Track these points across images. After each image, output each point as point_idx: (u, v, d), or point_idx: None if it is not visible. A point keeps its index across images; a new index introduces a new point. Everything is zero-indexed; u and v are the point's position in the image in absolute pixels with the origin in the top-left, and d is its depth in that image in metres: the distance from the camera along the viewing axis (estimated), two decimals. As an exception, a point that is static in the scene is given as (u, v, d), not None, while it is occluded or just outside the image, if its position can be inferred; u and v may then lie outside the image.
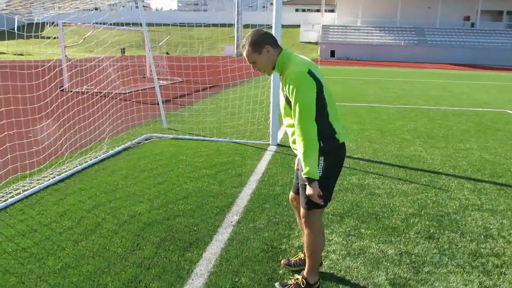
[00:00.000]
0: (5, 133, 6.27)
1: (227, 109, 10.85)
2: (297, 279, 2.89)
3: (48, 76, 7.43)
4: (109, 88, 13.36)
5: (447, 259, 3.40)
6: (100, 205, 4.31)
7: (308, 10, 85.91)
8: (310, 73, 2.50)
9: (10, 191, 4.51)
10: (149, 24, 17.19)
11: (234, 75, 19.23)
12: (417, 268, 3.24)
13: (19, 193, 4.44)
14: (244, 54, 2.63)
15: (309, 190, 2.53)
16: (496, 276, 3.16)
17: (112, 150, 6.42)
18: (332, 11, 74.41)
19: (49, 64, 6.98)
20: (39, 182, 4.82)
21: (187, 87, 16.28)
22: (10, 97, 9.32)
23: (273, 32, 6.77)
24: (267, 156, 6.35)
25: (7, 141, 6.01)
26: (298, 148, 2.53)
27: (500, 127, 9.40)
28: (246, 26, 57.46)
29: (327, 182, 2.65)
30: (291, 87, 2.48)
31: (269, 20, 7.01)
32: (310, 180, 2.50)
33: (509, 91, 18.76)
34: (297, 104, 2.46)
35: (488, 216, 4.29)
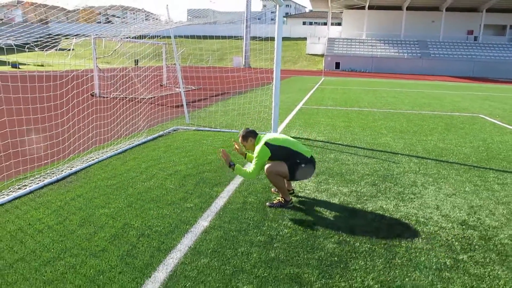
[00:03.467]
0: (78, 118, 8.27)
1: (237, 111, 12.85)
2: (279, 198, 4.84)
3: (70, 84, 9.44)
4: (134, 93, 15.45)
5: (380, 194, 5.32)
6: (150, 166, 6.29)
7: (315, 23, 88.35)
8: (267, 144, 4.64)
9: (93, 156, 6.52)
10: (162, 37, 19.26)
11: (241, 85, 21.29)
12: (359, 197, 5.16)
13: (97, 158, 6.45)
14: (239, 140, 4.89)
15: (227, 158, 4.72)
16: (407, 202, 5.07)
17: (150, 136, 8.43)
18: (339, 24, 76.66)
19: (72, 73, 9.00)
20: (106, 154, 6.83)
21: (202, 93, 18.37)
22: (50, 105, 11.33)
23: (275, 44, 8.62)
24: (268, 141, 8.32)
25: (85, 123, 8.01)
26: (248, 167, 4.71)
27: (465, 126, 11.28)
28: (253, 38, 59.70)
29: (298, 173, 4.67)
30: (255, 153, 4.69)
31: (274, 33, 8.81)
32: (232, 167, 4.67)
33: (493, 100, 20.60)
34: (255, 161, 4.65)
35: (420, 176, 6.20)
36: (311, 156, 4.80)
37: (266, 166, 4.67)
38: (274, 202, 4.82)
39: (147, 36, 14.54)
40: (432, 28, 67.67)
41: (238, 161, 6.20)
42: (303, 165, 4.66)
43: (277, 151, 4.65)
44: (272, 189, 5.21)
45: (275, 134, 4.93)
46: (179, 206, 4.65)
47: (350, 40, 67.88)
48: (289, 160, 4.66)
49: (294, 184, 5.53)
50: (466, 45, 65.20)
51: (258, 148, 4.68)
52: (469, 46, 64.70)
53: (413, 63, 61.36)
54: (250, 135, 4.84)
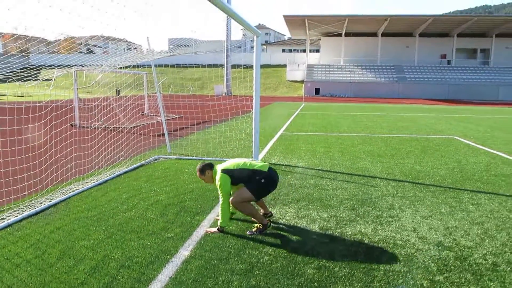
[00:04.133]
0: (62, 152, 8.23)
1: (219, 139, 12.94)
2: (257, 225, 4.89)
3: (49, 115, 9.45)
4: (116, 123, 15.45)
5: (358, 218, 5.42)
6: (131, 196, 6.29)
7: (294, 50, 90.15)
8: (224, 171, 4.79)
9: (73, 188, 6.48)
10: (143, 66, 19.40)
11: (222, 113, 21.47)
12: (338, 222, 5.25)
13: (77, 189, 6.42)
14: (197, 175, 5.03)
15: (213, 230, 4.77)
16: (385, 225, 5.18)
17: (131, 166, 8.42)
18: (317, 51, 78.36)
19: (52, 104, 9.03)
20: (86, 185, 6.81)
21: (183, 122, 18.45)
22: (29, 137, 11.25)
23: (254, 73, 8.81)
24: (249, 168, 8.41)
25: (68, 153, 7.97)
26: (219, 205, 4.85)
27: (441, 148, 11.57)
28: (234, 67, 60.34)
29: (260, 190, 4.84)
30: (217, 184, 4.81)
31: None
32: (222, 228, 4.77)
33: (467, 121, 21.18)
34: (220, 191, 4.77)
35: (397, 199, 6.34)
36: (269, 168, 4.93)
37: (230, 199, 4.79)
38: (253, 230, 4.87)
39: (129, 66, 14.66)
40: (407, 53, 69.80)
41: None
42: (263, 180, 4.80)
43: (236, 174, 4.80)
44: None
45: (230, 160, 5.06)
46: (160, 236, 4.66)
47: (328, 66, 69.32)
48: (250, 180, 4.79)
49: (275, 211, 5.61)
50: (440, 68, 67.26)
51: (217, 178, 4.82)
52: (443, 70, 66.75)
53: (390, 87, 62.84)
54: (207, 168, 4.98)
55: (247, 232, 4.84)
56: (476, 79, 63.43)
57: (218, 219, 5.00)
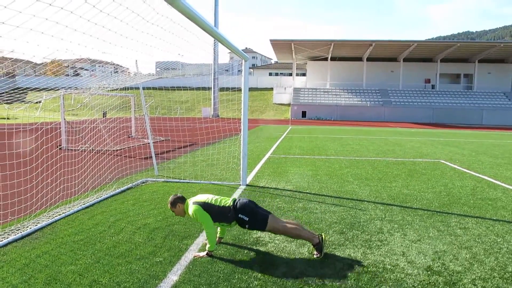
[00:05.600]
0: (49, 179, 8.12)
1: (206, 161, 12.92)
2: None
3: (42, 137, 9.37)
4: (102, 146, 15.34)
5: (347, 242, 5.43)
6: (118, 220, 6.21)
7: (281, 74, 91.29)
8: (196, 202, 4.91)
9: (60, 211, 6.39)
10: (130, 89, 19.44)
11: (209, 136, 21.50)
12: (327, 246, 5.24)
13: (63, 212, 6.32)
14: (168, 207, 5.06)
15: (202, 255, 4.76)
16: (374, 249, 5.19)
17: (118, 189, 8.35)
18: (303, 74, 79.45)
19: (38, 126, 8.96)
20: (72, 208, 6.71)
21: (171, 145, 18.39)
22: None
23: (242, 96, 8.91)
24: (238, 192, 8.40)
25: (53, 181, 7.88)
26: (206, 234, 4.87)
27: (427, 172, 11.71)
28: (222, 89, 60.77)
29: (256, 215, 4.91)
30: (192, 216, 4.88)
31: (241, 84, 9.11)
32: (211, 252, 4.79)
33: (452, 145, 21.52)
34: (199, 220, 4.84)
35: (386, 223, 6.38)
36: (233, 201, 4.99)
37: (275, 230, 4.91)
38: (315, 253, 4.90)
39: (116, 89, 14.67)
40: (392, 77, 71.16)
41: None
42: (229, 215, 4.89)
43: (206, 207, 4.88)
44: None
45: (199, 195, 5.17)
46: (148, 261, 4.60)
47: (314, 90, 70.19)
48: (219, 217, 4.87)
49: (263, 234, 5.58)
50: (425, 93, 68.62)
51: (190, 210, 4.90)
52: (427, 94, 68.08)
53: (376, 110, 63.74)
54: (179, 201, 5.05)
55: (315, 254, 4.85)
56: (460, 103, 64.79)
57: (207, 243, 4.98)
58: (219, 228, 5.20)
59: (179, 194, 5.11)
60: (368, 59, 70.09)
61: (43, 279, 4.07)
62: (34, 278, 4.08)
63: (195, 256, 4.75)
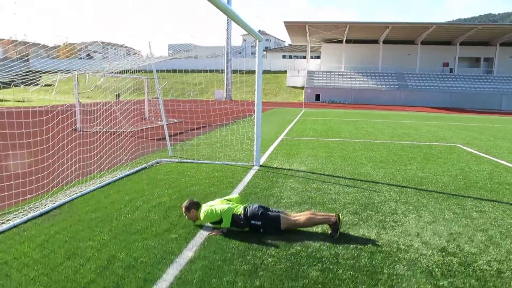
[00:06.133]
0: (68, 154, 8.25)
1: (220, 143, 12.96)
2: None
3: (52, 120, 9.45)
4: (117, 127, 15.47)
5: (361, 222, 5.43)
6: (134, 198, 6.30)
7: (295, 56, 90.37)
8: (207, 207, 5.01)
9: (76, 190, 6.50)
10: (144, 71, 19.47)
11: (223, 117, 21.53)
12: (342, 226, 5.24)
13: (80, 191, 6.43)
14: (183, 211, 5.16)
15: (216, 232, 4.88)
16: (389, 229, 5.19)
17: (133, 169, 8.44)
18: (318, 57, 78.57)
19: (53, 109, 9.03)
20: (89, 187, 6.82)
21: (184, 126, 18.48)
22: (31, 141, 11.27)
23: (255, 77, 8.87)
24: (251, 172, 8.44)
25: (72, 153, 8.01)
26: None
27: (443, 155, 11.59)
28: (235, 71, 60.60)
29: (268, 218, 4.94)
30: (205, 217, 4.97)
31: (255, 66, 9.06)
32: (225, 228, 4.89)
33: (470, 130, 21.22)
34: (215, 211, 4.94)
35: (400, 204, 6.35)
36: (244, 209, 5.03)
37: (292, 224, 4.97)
38: (330, 232, 4.93)
39: (129, 71, 14.70)
40: (409, 61, 69.90)
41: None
42: (241, 222, 4.93)
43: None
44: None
45: (211, 202, 5.28)
46: (164, 237, 4.67)
47: (329, 73, 69.47)
48: (233, 224, 4.91)
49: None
50: (442, 77, 67.34)
51: (202, 213, 4.99)
52: (445, 78, 66.82)
53: (391, 94, 62.93)
54: (193, 207, 5.11)
55: (330, 233, 4.88)
56: (478, 88, 63.47)
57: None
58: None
59: (194, 200, 5.20)
60: (385, 42, 68.88)
61: (63, 254, 4.17)
62: (54, 253, 4.17)
63: (210, 234, 4.81)
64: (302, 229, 5.09)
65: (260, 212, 4.93)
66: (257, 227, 4.89)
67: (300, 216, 5.04)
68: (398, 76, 67.56)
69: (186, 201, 5.18)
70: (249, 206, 5.06)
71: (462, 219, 5.70)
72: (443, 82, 65.60)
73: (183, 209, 5.12)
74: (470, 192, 7.27)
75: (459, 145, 14.15)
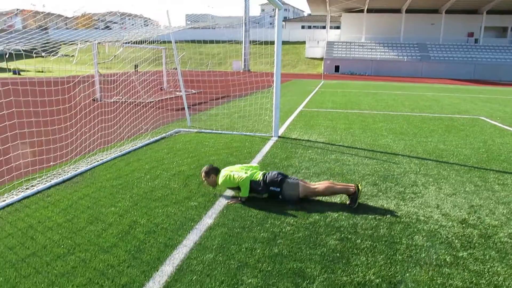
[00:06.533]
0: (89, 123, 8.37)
1: (238, 113, 12.95)
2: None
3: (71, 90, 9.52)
4: (136, 98, 15.57)
5: (380, 194, 5.40)
6: (154, 167, 6.38)
7: (314, 27, 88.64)
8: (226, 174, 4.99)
9: (97, 158, 6.61)
10: (162, 42, 19.35)
11: (241, 88, 21.41)
12: (361, 197, 5.23)
13: (101, 159, 6.54)
14: (202, 176, 5.16)
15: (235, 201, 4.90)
16: (408, 201, 5.16)
17: (152, 138, 8.52)
18: (337, 27, 76.90)
19: (73, 79, 9.07)
20: (110, 155, 6.93)
21: (202, 97, 18.49)
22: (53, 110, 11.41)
23: (275, 47, 8.75)
24: (270, 143, 8.44)
25: (93, 126, 8.13)
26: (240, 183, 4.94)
27: (466, 128, 11.37)
28: (253, 42, 59.89)
29: (286, 186, 4.93)
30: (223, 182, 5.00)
31: (273, 36, 8.93)
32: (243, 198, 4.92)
33: (494, 102, 20.70)
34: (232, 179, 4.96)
35: (421, 176, 6.29)
36: (263, 175, 5.01)
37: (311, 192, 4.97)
38: (348, 202, 4.93)
39: (147, 41, 14.65)
40: (432, 31, 67.87)
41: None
42: (260, 188, 4.94)
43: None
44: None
45: (230, 167, 5.26)
46: (184, 205, 4.74)
47: (349, 44, 68.12)
48: (252, 190, 4.93)
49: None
50: (467, 47, 65.35)
51: (222, 179, 5.00)
52: (470, 49, 64.85)
53: (413, 66, 61.56)
54: (213, 172, 5.10)
55: (349, 203, 4.89)
56: (504, 59, 61.38)
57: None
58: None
59: (214, 165, 5.19)
60: (407, 11, 66.82)
61: (86, 218, 4.27)
62: (77, 218, 4.28)
63: (229, 203, 4.85)
64: (320, 198, 5.10)
65: (279, 178, 4.94)
66: (276, 193, 4.90)
67: (318, 185, 5.03)
68: (421, 47, 65.83)
69: (205, 167, 5.18)
70: (269, 173, 5.06)
71: (483, 191, 5.63)
72: (468, 53, 63.68)
73: (203, 174, 5.12)
74: (492, 165, 7.14)
75: (482, 118, 13.84)
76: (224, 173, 5.05)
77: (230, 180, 4.93)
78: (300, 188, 4.90)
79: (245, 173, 5.02)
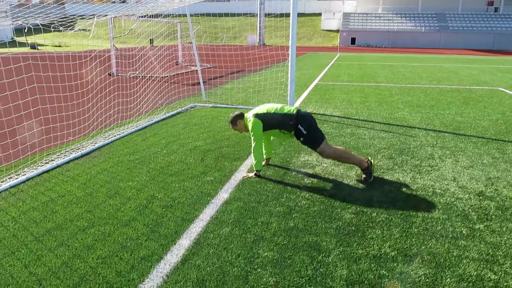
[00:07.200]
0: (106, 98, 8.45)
1: (253, 88, 12.89)
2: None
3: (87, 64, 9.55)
4: (151, 72, 15.59)
5: (396, 167, 5.38)
6: (170, 142, 6.44)
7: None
8: (256, 115, 4.82)
9: (115, 133, 6.71)
10: (177, 15, 19.15)
11: (256, 62, 21.25)
12: (375, 170, 5.22)
13: (118, 134, 6.62)
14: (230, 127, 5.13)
15: (251, 175, 4.88)
16: (424, 174, 5.13)
17: (168, 113, 8.57)
18: (354, -2, 75.05)
19: (89, 53, 9.09)
20: (126, 130, 7.01)
21: (217, 71, 18.43)
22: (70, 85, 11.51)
23: (290, 20, 8.59)
24: (285, 117, 8.40)
25: (111, 101, 8.21)
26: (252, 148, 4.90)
27: (484, 99, 11.15)
28: (268, 15, 58.99)
29: (313, 133, 4.81)
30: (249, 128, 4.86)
31: (289, 9, 8.74)
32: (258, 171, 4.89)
33: (514, 73, 20.18)
34: (253, 135, 4.83)
35: (437, 149, 6.23)
36: (297, 111, 4.86)
37: (326, 155, 4.88)
38: (363, 177, 4.90)
39: (162, 14, 14.56)
40: (450, 0, 65.83)
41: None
42: (291, 122, 4.78)
43: (268, 119, 4.80)
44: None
45: (261, 106, 5.04)
46: (200, 179, 4.80)
47: (365, 15, 66.62)
48: (283, 125, 4.79)
49: (311, 158, 5.63)
50: (486, 17, 63.37)
51: (250, 124, 4.83)
52: (489, 18, 62.88)
53: (431, 36, 60.07)
54: (238, 118, 4.99)
55: (364, 178, 4.87)
56: (525, 28, 59.56)
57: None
58: (265, 150, 5.26)
59: (237, 112, 5.07)
60: (426, -20, 64.88)
61: (105, 192, 4.37)
62: (96, 192, 4.38)
63: (244, 177, 4.89)
64: (335, 172, 5.11)
65: (310, 120, 4.85)
66: (301, 134, 4.80)
67: (337, 149, 4.95)
68: (439, 16, 64.02)
69: (229, 117, 5.06)
70: (302, 111, 4.96)
71: (501, 163, 5.56)
72: (487, 22, 61.77)
73: (230, 124, 5.06)
74: (511, 137, 7.02)
75: (501, 89, 13.54)
76: (252, 119, 4.84)
77: (253, 132, 4.81)
78: (323, 142, 4.83)
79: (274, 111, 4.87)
